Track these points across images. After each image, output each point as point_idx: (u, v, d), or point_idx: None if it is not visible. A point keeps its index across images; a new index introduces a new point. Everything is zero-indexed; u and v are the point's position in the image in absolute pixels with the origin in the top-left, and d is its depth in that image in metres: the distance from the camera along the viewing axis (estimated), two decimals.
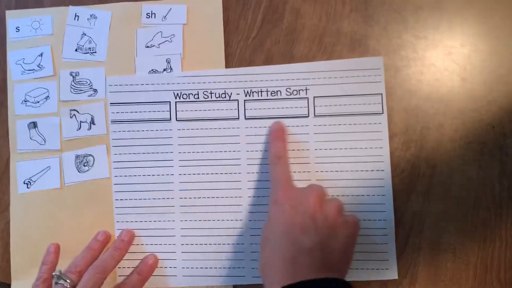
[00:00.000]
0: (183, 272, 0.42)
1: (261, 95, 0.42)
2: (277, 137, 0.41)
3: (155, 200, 0.42)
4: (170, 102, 0.43)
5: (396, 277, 0.40)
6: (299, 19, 0.43)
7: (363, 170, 0.41)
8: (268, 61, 0.43)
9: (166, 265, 0.42)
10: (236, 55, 0.43)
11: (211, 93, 0.43)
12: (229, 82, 0.43)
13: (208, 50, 0.43)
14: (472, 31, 0.42)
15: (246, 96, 0.43)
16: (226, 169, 0.42)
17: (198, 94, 0.43)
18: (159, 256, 0.42)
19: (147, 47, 0.43)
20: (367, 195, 0.41)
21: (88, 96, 0.43)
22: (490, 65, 0.41)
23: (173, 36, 0.43)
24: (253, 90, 0.42)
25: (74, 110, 0.43)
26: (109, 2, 0.44)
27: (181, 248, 0.42)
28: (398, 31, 0.42)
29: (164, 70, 0.43)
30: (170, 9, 0.43)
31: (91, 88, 0.43)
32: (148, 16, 0.44)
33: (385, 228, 0.41)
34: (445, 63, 0.42)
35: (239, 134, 0.42)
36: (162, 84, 0.43)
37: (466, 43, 0.42)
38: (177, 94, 0.43)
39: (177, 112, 0.43)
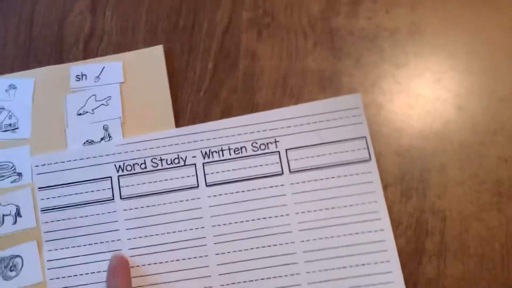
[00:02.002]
0: None
1: (223, 155, 0.35)
2: (114, 275, 0.33)
3: None
4: (111, 177, 0.35)
5: None
6: (256, 62, 0.37)
7: (358, 233, 0.33)
8: (226, 113, 0.36)
9: None
10: (187, 111, 0.36)
11: (161, 160, 0.35)
12: (182, 143, 0.35)
13: (153, 109, 0.36)
14: (461, 50, 0.36)
15: (204, 158, 0.35)
16: (189, 253, 0.34)
17: (145, 163, 0.35)
18: None
19: (79, 114, 0.36)
20: (367, 264, 0.33)
21: (11, 182, 0.35)
22: (488, 87, 0.35)
23: (109, 98, 0.36)
24: (212, 150, 0.35)
25: None
26: (32, 68, 0.37)
27: None
28: (374, 62, 0.36)
29: (102, 139, 0.35)
30: (103, 67, 0.37)
31: (14, 173, 0.35)
32: (78, 79, 0.37)
33: None
34: (436, 91, 0.35)
35: (201, 205, 0.34)
36: (99, 156, 0.35)
37: (457, 65, 0.36)
38: (119, 166, 0.35)
39: (121, 188, 0.35)
